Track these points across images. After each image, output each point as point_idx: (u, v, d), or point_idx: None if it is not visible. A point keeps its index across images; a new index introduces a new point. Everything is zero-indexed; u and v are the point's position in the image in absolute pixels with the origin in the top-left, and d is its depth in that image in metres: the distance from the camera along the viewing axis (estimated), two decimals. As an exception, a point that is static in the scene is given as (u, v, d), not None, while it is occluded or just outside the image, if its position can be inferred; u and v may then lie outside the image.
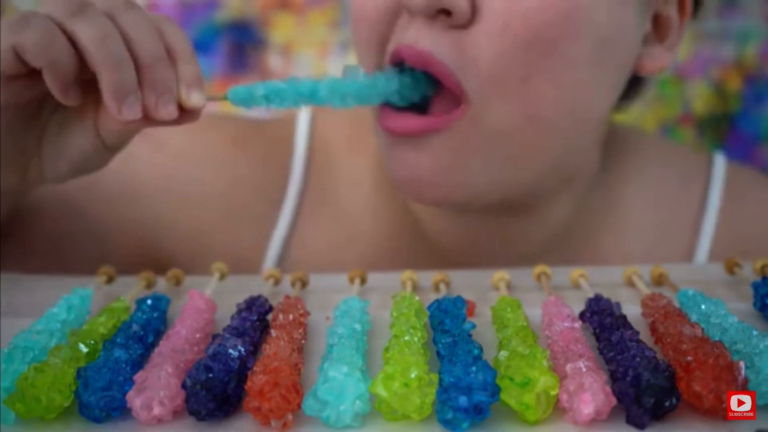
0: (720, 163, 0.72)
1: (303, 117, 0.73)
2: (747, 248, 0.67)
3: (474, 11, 0.53)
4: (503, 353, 0.40)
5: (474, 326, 0.45)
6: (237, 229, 0.69)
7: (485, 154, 0.56)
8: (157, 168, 0.68)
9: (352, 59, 1.06)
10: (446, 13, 0.53)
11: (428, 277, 0.56)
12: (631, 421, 0.37)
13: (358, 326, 0.45)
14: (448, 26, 0.54)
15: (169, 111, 0.46)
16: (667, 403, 0.37)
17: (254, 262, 0.69)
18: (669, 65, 0.62)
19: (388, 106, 0.57)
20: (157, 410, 0.38)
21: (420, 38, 0.54)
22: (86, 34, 0.44)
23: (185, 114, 0.47)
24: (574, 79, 0.56)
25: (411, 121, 0.56)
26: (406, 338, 0.42)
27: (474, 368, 0.38)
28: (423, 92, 0.57)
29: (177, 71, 0.46)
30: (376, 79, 0.55)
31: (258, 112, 1.01)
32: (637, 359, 0.39)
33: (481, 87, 0.54)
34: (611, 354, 0.41)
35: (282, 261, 0.69)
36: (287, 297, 0.50)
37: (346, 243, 0.69)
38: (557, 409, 0.38)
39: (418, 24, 0.54)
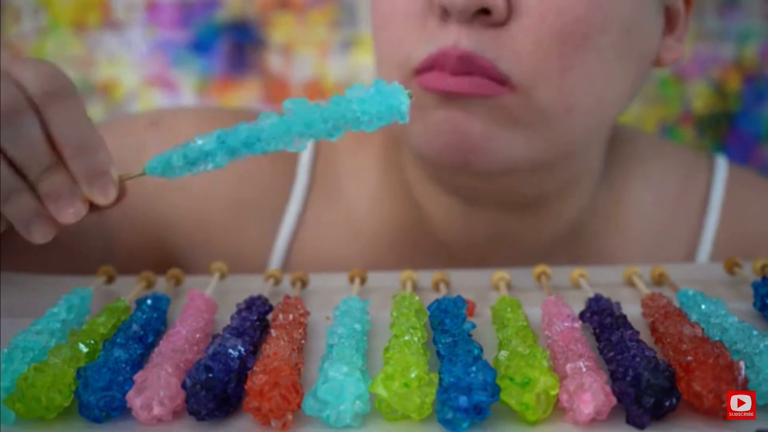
0: (722, 164, 0.72)
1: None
2: (748, 249, 0.67)
3: (510, 9, 0.55)
4: (503, 353, 0.40)
5: (474, 326, 0.45)
6: (244, 223, 0.70)
7: (529, 132, 0.57)
8: None
9: (352, 59, 1.07)
10: (484, 12, 0.54)
11: (428, 277, 0.56)
12: (631, 421, 0.37)
13: (358, 326, 0.45)
14: (486, 25, 0.55)
15: (74, 212, 0.43)
16: (667, 403, 0.37)
17: (261, 257, 0.70)
18: (682, 56, 0.64)
19: (432, 69, 0.56)
20: (157, 410, 0.38)
21: (461, 38, 0.55)
22: None
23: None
24: (603, 72, 0.57)
25: (465, 80, 0.55)
26: (406, 338, 0.42)
27: (474, 368, 0.38)
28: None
29: (73, 170, 0.43)
30: (337, 104, 0.44)
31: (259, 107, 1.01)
32: (637, 359, 0.39)
33: (524, 78, 0.55)
34: (611, 354, 0.41)
35: (288, 255, 0.70)
36: (287, 297, 0.50)
37: (352, 238, 0.69)
38: (557, 409, 0.38)
39: (454, 25, 0.55)
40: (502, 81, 0.55)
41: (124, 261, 0.62)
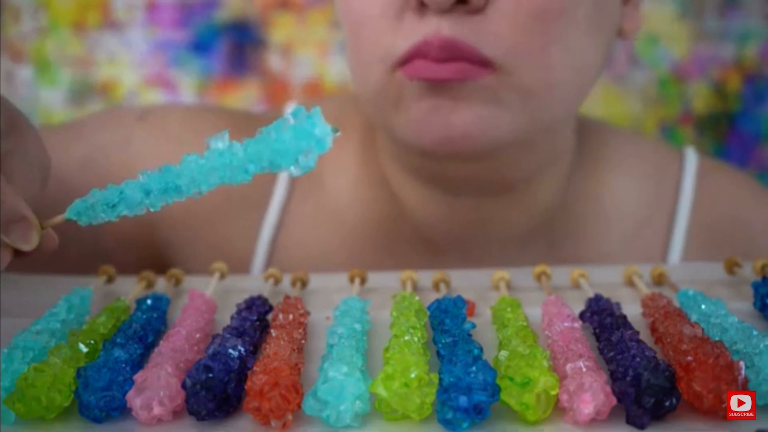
0: (691, 157, 0.74)
1: (293, 106, 0.74)
2: (719, 240, 0.70)
3: None
4: (503, 353, 0.40)
5: (474, 326, 0.45)
6: (229, 216, 0.71)
7: (513, 110, 0.58)
8: (156, 154, 0.69)
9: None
10: (461, 1, 0.55)
11: (428, 277, 0.56)
12: (631, 421, 0.37)
13: (358, 326, 0.45)
14: (465, 13, 0.55)
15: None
16: (667, 403, 0.37)
17: (248, 247, 0.70)
18: (640, 24, 0.66)
19: (415, 59, 0.56)
20: (157, 410, 0.38)
21: (442, 27, 0.55)
22: None
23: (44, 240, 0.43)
24: (580, 44, 0.58)
25: (451, 67, 0.56)
26: (406, 338, 0.42)
27: (474, 368, 0.38)
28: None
29: None
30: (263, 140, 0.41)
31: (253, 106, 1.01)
32: (637, 359, 0.39)
33: (507, 59, 0.56)
34: (611, 354, 0.41)
35: (273, 247, 0.70)
36: (287, 297, 0.50)
37: (335, 230, 0.70)
38: (557, 409, 0.38)
39: (433, 17, 0.55)
40: (485, 64, 0.56)
41: (114, 254, 0.61)
